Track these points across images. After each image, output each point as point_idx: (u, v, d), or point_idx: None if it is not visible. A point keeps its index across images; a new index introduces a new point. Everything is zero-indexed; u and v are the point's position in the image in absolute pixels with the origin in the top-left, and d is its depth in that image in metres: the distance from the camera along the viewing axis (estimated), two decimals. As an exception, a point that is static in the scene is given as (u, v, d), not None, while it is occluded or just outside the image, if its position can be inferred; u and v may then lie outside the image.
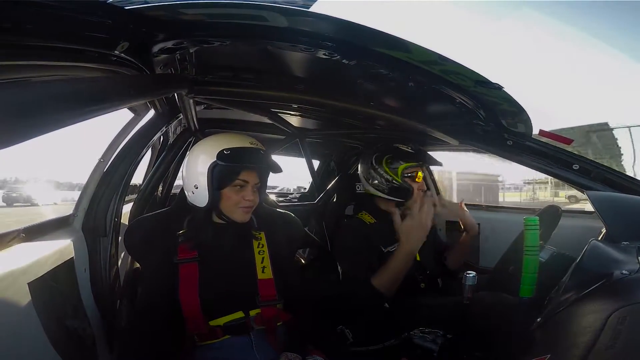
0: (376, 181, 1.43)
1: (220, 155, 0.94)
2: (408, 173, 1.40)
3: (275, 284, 1.00)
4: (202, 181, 0.97)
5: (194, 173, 0.99)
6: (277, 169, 1.02)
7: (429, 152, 1.53)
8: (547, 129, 1.14)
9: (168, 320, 0.94)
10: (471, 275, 1.05)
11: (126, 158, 1.17)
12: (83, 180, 1.16)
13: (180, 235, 1.00)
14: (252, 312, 0.97)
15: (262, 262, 1.02)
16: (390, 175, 1.40)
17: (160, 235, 1.02)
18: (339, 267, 1.43)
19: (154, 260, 1.00)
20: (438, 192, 2.08)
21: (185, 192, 1.04)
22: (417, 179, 1.42)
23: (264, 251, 1.04)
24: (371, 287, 1.25)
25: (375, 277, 1.26)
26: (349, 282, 1.35)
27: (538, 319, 0.71)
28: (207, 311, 0.94)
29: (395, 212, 1.31)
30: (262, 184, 1.04)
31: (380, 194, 1.44)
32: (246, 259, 1.02)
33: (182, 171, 1.05)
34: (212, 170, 0.95)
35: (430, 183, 2.04)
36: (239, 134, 1.03)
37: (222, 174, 0.96)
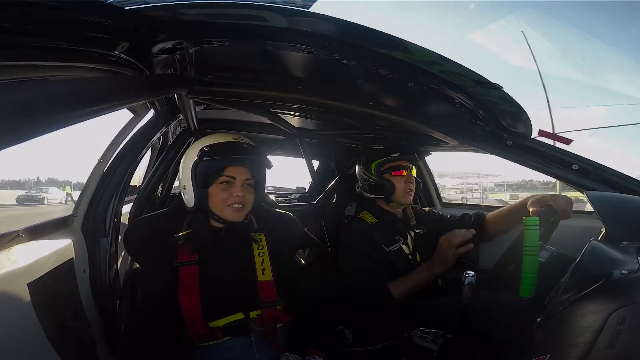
0: (360, 183, 1.52)
1: (201, 152, 0.96)
2: (383, 169, 1.44)
3: (275, 286, 1.00)
4: (188, 181, 0.98)
5: (183, 174, 1.02)
6: (262, 160, 1.02)
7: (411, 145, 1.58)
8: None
9: (168, 321, 0.94)
10: (471, 275, 1.05)
11: (126, 158, 1.18)
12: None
13: (180, 237, 1.00)
14: (253, 314, 0.97)
15: (262, 264, 1.02)
16: (367, 175, 1.47)
17: (159, 236, 1.02)
18: (342, 267, 1.43)
19: (153, 261, 1.00)
20: (436, 188, 2.08)
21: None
22: (400, 173, 1.43)
23: (263, 252, 1.04)
24: (385, 290, 1.29)
25: (394, 283, 1.30)
26: (354, 282, 1.36)
27: (538, 319, 0.71)
28: (207, 313, 0.94)
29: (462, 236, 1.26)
30: (256, 182, 1.04)
31: (365, 193, 1.51)
32: (246, 261, 1.02)
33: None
34: (195, 168, 0.97)
35: (428, 179, 2.02)
36: (225, 132, 1.04)
37: (205, 171, 0.98)
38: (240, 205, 0.99)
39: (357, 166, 1.55)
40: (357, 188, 1.62)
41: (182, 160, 1.04)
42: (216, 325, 0.95)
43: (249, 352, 0.95)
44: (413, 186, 1.45)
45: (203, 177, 0.98)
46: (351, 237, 1.43)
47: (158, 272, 0.98)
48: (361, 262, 1.36)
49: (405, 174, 1.44)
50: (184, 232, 1.00)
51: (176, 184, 1.76)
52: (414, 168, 1.50)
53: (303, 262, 1.80)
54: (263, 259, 1.03)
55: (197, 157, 0.97)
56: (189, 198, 1.01)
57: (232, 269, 1.00)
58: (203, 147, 0.97)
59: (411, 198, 1.46)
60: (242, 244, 1.04)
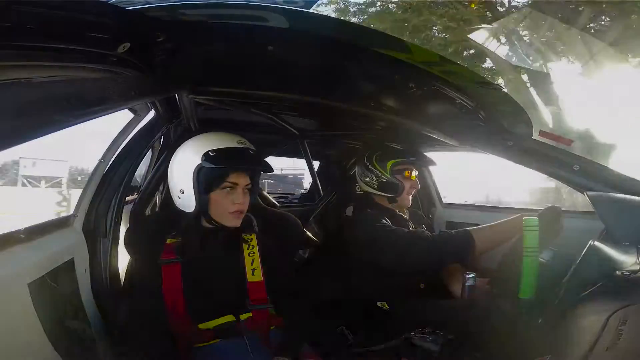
0: (367, 178, 1.47)
1: (206, 156, 0.90)
2: (397, 169, 1.43)
3: (266, 287, 0.98)
4: (188, 185, 0.92)
5: (179, 177, 0.95)
6: (268, 169, 1.00)
7: (424, 153, 1.56)
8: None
9: (164, 321, 0.94)
10: (471, 275, 1.05)
11: (126, 159, 1.18)
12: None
13: (168, 237, 0.99)
14: (243, 316, 0.96)
15: (252, 264, 0.99)
16: (380, 171, 1.44)
17: (158, 236, 1.02)
18: (375, 249, 1.34)
19: (150, 261, 1.00)
20: (436, 188, 2.08)
21: (172, 197, 1.01)
22: (409, 177, 1.44)
23: (254, 252, 1.01)
24: (468, 235, 1.21)
25: (475, 229, 1.25)
26: (405, 246, 1.28)
27: (538, 320, 0.71)
28: (195, 314, 0.93)
29: None
30: (253, 185, 1.02)
31: (371, 189, 1.47)
32: (235, 261, 1.00)
33: (168, 175, 1.01)
34: (198, 173, 0.91)
35: (431, 184, 2.04)
36: (226, 133, 0.99)
37: (208, 177, 0.92)
38: (240, 212, 0.98)
39: (363, 162, 1.49)
40: (358, 188, 1.62)
41: (172, 162, 0.99)
42: (206, 327, 0.93)
43: (244, 354, 0.93)
44: (414, 191, 1.48)
45: (206, 183, 0.93)
46: (367, 222, 1.37)
47: (153, 273, 0.98)
48: (397, 229, 1.32)
49: (414, 178, 1.46)
50: (174, 232, 1.00)
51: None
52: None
53: (303, 262, 1.81)
54: (253, 259, 1.00)
55: (200, 162, 0.90)
56: (188, 203, 0.95)
57: (220, 270, 0.98)
58: (208, 152, 0.90)
59: (410, 202, 1.48)
60: (231, 244, 1.02)
